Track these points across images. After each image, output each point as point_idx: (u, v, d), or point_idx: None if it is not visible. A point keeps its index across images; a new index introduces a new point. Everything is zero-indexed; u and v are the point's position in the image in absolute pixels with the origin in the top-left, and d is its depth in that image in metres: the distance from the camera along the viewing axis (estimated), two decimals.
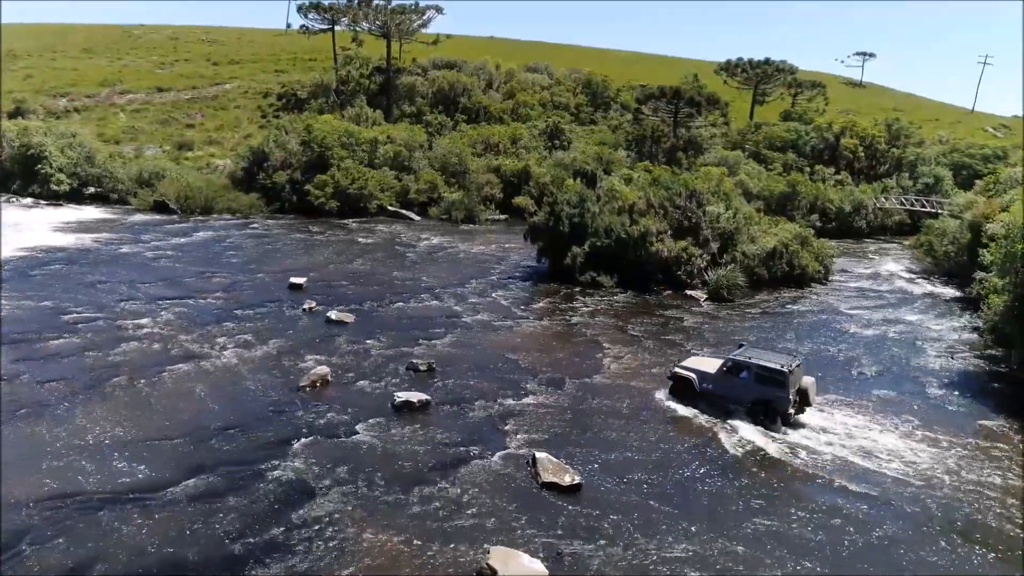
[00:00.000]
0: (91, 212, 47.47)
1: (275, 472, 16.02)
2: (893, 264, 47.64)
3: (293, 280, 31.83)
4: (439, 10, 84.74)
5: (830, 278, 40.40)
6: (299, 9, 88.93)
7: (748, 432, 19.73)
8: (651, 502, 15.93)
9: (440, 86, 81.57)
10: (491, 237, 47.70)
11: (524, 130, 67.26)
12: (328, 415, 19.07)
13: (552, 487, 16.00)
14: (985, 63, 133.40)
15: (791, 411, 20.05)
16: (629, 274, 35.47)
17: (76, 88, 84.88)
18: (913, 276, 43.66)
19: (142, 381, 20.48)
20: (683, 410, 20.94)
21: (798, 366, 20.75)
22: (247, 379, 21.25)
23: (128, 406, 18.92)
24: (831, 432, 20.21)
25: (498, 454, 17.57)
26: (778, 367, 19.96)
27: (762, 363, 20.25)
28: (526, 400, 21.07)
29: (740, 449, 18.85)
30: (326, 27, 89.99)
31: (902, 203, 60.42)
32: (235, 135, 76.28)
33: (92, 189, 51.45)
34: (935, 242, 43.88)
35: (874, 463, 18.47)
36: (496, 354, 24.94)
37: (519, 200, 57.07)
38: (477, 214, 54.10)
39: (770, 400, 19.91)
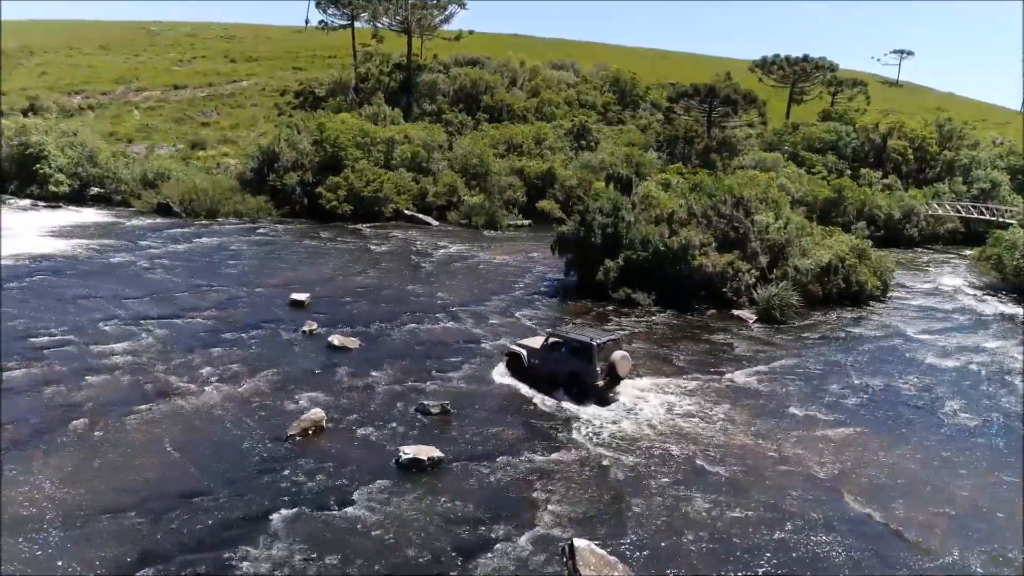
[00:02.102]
0: (90, 215, 44.76)
1: (245, 563, 12.68)
2: (953, 278, 43.41)
3: (294, 296, 28.61)
4: (462, 4, 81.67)
5: (888, 295, 36.45)
6: (317, 4, 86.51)
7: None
8: None
9: (462, 84, 78.43)
10: (514, 245, 44.21)
11: (549, 129, 63.76)
12: (319, 476, 15.71)
13: None
14: None
15: (599, 383, 20.72)
16: (668, 291, 31.84)
17: (91, 85, 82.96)
18: (979, 292, 39.43)
19: (102, 427, 17.27)
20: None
21: (613, 342, 21.62)
22: (227, 424, 17.98)
23: (79, 463, 15.69)
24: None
25: (526, 535, 14.08)
26: (587, 340, 21.02)
27: (573, 337, 21.69)
28: (557, 455, 17.57)
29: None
30: (345, 23, 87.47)
31: (957, 210, 55.97)
32: (250, 133, 73.97)
33: (94, 190, 48.80)
34: (1005, 255, 39.65)
35: None
36: (522, 391, 21.47)
37: (543, 204, 53.93)
38: (499, 219, 50.64)
39: (580, 372, 20.74)
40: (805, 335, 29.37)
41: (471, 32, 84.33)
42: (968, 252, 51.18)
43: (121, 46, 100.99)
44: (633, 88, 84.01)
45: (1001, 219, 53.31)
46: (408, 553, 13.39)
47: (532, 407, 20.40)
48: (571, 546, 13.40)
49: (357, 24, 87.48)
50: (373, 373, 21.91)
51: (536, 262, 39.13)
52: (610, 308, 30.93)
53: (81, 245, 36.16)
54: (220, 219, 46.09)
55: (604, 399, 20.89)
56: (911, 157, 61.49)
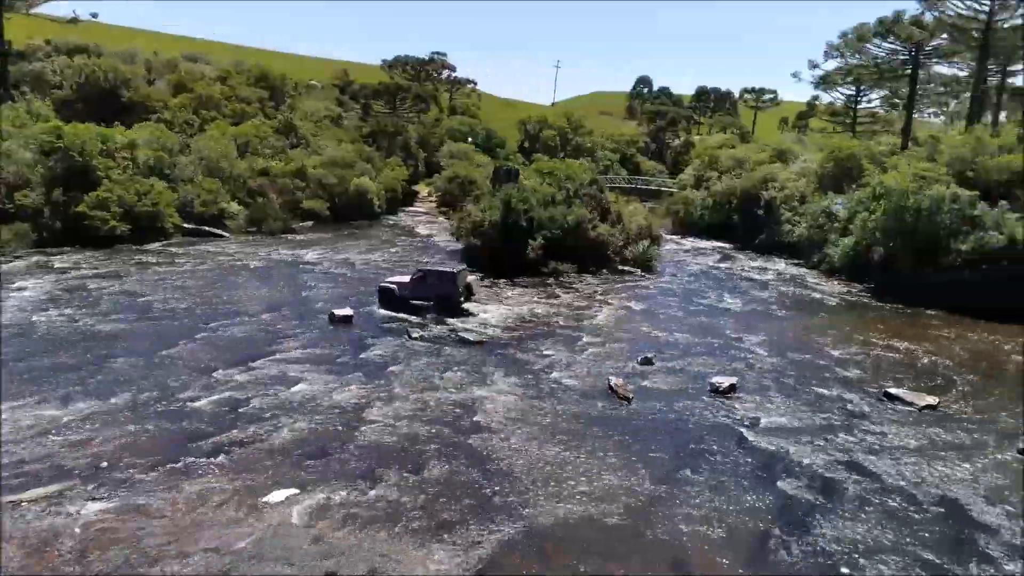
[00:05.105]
0: None
1: None
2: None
3: (336, 312, 26.76)
4: None
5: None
6: None
7: None
8: None
9: (90, 74, 66.34)
10: (347, 244, 44.40)
11: (268, 128, 61.01)
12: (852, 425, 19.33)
13: None
14: (558, 67, 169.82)
15: (460, 299, 28.63)
16: (572, 259, 38.70)
17: None
18: (679, 236, 55.82)
19: (512, 463, 16.51)
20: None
21: (463, 270, 29.86)
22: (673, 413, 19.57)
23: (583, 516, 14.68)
24: None
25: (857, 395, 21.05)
26: (449, 270, 28.99)
27: (439, 269, 29.43)
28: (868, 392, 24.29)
29: None
30: None
31: (609, 181, 74.59)
32: None
33: None
34: (691, 209, 57.14)
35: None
36: (724, 341, 27.60)
37: (313, 204, 53.36)
38: (289, 223, 48.76)
39: (446, 295, 28.23)
40: (678, 277, 40.30)
41: (95, 16, 70.98)
42: (659, 208, 68.74)
43: None
44: (283, 85, 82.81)
45: (634, 186, 73.58)
46: None
47: (781, 359, 26.12)
48: (888, 393, 21.01)
49: None
50: (592, 346, 24.42)
51: (405, 254, 41.52)
52: (550, 281, 36.34)
53: None
54: None
55: (464, 313, 28.10)
56: (558, 142, 78.31)
